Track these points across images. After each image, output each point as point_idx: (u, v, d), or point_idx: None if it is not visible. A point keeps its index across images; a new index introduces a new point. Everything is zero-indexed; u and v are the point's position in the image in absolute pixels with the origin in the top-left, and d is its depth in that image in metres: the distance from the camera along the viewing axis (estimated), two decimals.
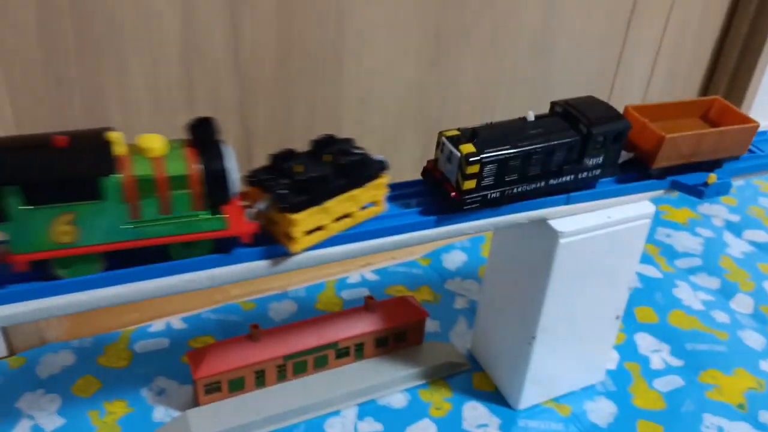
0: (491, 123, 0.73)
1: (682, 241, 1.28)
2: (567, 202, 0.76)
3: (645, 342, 1.05)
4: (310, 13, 0.98)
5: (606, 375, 0.98)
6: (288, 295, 1.10)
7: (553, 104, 0.77)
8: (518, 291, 0.85)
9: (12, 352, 0.96)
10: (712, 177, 0.79)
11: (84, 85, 0.88)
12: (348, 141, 0.70)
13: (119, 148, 0.58)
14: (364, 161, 0.67)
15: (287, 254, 0.66)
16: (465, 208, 0.71)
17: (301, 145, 0.71)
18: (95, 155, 0.56)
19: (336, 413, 0.90)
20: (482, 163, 0.68)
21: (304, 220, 0.64)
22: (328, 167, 0.66)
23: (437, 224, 0.72)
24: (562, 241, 0.75)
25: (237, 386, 0.87)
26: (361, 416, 0.90)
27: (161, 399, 0.90)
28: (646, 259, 1.22)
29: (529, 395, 0.91)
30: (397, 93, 1.13)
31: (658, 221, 1.33)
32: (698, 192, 0.78)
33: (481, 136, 0.70)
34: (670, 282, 1.17)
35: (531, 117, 0.74)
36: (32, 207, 0.55)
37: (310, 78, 1.03)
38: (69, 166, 0.56)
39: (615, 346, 1.02)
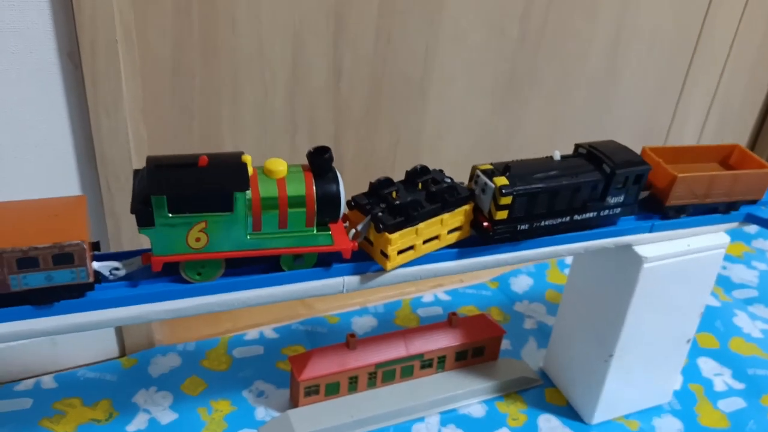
0: (522, 160, 0.79)
1: (739, 273, 1.34)
2: (651, 230, 0.83)
3: (707, 366, 1.11)
4: (402, 53, 1.07)
5: (671, 395, 1.04)
6: (368, 310, 1.18)
7: (577, 146, 0.82)
8: (597, 311, 0.92)
9: (124, 353, 1.05)
10: None
11: (203, 113, 0.98)
12: (439, 171, 0.78)
13: (249, 169, 0.66)
14: (453, 189, 0.75)
15: (381, 270, 0.73)
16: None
17: (384, 172, 0.78)
18: (232, 173, 0.65)
19: (420, 419, 0.97)
20: (515, 196, 0.73)
21: (398, 240, 0.71)
22: (420, 194, 0.74)
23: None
24: (645, 265, 0.82)
25: (333, 390, 0.95)
26: (443, 423, 0.97)
27: (261, 400, 0.98)
28: None
29: (602, 411, 0.97)
30: (470, 129, 1.22)
31: None
32: None
33: (514, 170, 0.74)
34: (729, 311, 1.23)
35: (557, 156, 0.79)
36: (175, 215, 0.63)
37: (396, 113, 1.13)
38: (209, 181, 0.64)
39: None
